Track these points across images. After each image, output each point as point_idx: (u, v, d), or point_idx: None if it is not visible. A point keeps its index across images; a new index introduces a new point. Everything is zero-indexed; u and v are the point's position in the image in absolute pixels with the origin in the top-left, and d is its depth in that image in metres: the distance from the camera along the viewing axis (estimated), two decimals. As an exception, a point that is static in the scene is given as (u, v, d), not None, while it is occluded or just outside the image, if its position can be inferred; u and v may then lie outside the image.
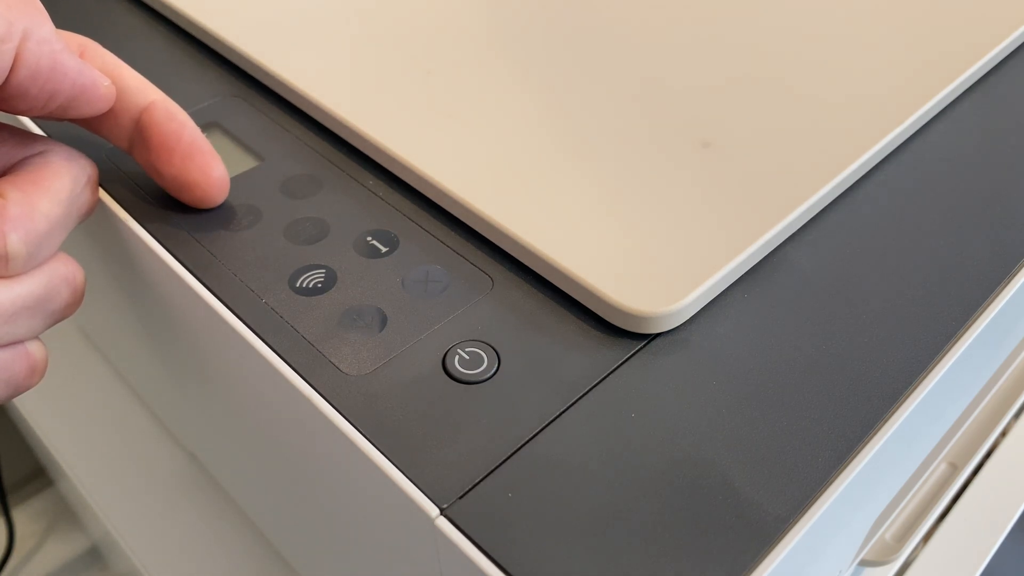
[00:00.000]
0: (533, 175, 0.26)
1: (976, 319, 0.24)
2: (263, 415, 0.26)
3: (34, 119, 0.30)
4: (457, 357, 0.22)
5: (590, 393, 0.21)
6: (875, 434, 0.21)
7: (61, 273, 0.23)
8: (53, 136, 0.29)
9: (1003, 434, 0.39)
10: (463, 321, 0.23)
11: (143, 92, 0.26)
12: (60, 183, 0.23)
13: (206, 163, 0.26)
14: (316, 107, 0.29)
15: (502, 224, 0.25)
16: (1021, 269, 0.25)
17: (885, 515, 0.30)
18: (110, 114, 0.25)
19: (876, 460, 0.21)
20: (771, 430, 0.21)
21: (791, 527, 0.19)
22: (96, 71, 0.24)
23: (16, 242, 0.21)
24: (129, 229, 0.26)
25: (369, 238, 0.26)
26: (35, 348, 0.24)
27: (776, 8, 0.34)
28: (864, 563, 0.32)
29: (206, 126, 0.30)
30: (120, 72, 0.25)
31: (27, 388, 0.24)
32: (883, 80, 0.30)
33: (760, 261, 0.25)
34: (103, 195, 0.27)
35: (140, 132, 0.26)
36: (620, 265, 0.23)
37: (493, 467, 0.20)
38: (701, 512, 0.19)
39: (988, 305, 0.24)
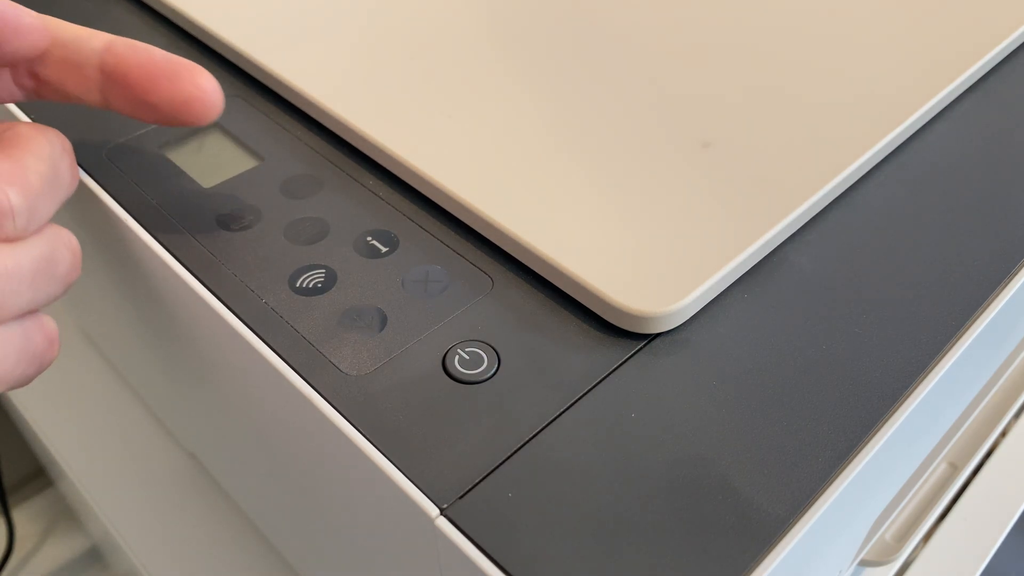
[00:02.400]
0: (533, 175, 0.26)
1: (976, 319, 0.24)
2: (263, 415, 0.26)
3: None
4: (457, 357, 0.22)
5: (590, 393, 0.21)
6: (875, 434, 0.21)
7: (60, 237, 0.23)
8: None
9: (1003, 434, 0.39)
10: (463, 321, 0.23)
11: (95, 36, 0.25)
12: (38, 143, 0.23)
13: (193, 76, 0.25)
14: (316, 107, 0.29)
15: (502, 224, 0.25)
16: (1021, 269, 0.25)
17: (885, 515, 0.30)
18: (74, 68, 0.25)
19: (876, 460, 0.21)
20: (771, 430, 0.21)
21: (791, 527, 0.19)
22: (14, 4, 0.24)
23: (16, 196, 0.21)
24: (129, 229, 0.26)
25: (369, 238, 0.26)
26: (47, 319, 0.24)
27: (776, 9, 0.34)
28: (864, 563, 0.32)
29: (206, 126, 0.30)
30: (63, 25, 0.25)
31: (48, 363, 0.24)
32: (883, 80, 0.30)
33: (760, 261, 0.25)
34: (102, 195, 0.27)
35: (111, 74, 0.25)
36: (620, 265, 0.23)
37: (493, 467, 0.20)
38: (701, 512, 0.19)
39: (988, 305, 0.24)
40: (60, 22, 0.25)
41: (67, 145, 0.25)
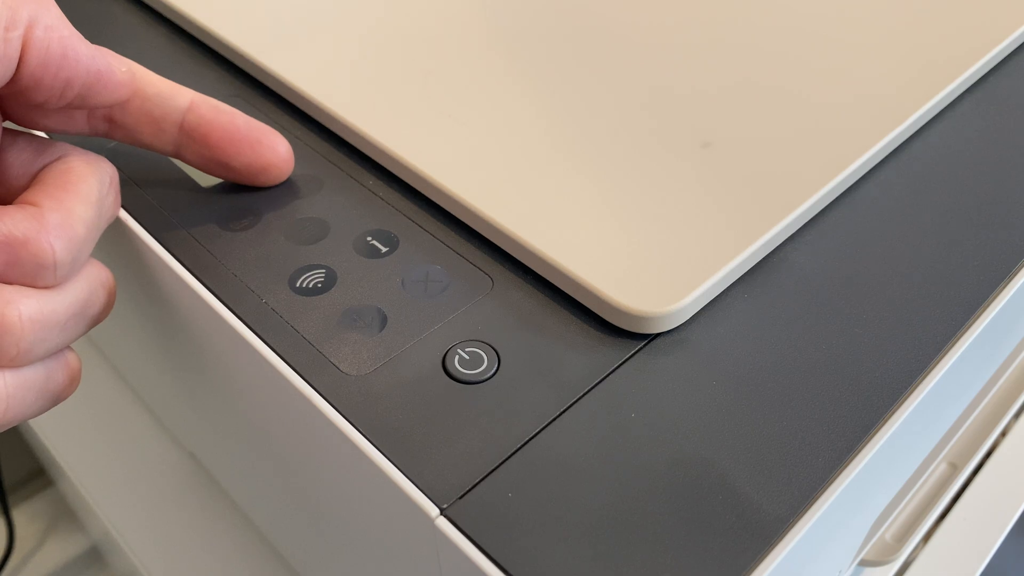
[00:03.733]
0: (533, 175, 0.26)
1: (976, 319, 0.24)
2: (263, 415, 0.26)
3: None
4: (457, 357, 0.22)
5: (590, 393, 0.21)
6: (875, 434, 0.21)
7: (98, 277, 0.23)
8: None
9: (1003, 434, 0.39)
10: (463, 321, 0.23)
11: (180, 94, 0.25)
12: (87, 186, 0.23)
13: (272, 142, 0.26)
14: (316, 107, 0.29)
15: (502, 224, 0.25)
16: (1021, 269, 0.25)
17: (885, 515, 0.30)
18: (152, 121, 0.25)
19: (876, 460, 0.21)
20: (771, 430, 0.21)
21: (791, 527, 0.19)
22: (112, 55, 0.23)
23: (62, 250, 0.21)
24: (129, 229, 0.26)
25: (369, 238, 0.26)
26: (72, 357, 0.24)
27: (776, 9, 0.34)
28: (864, 563, 0.32)
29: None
30: (150, 78, 0.25)
31: (65, 397, 0.24)
32: (883, 80, 0.30)
33: (760, 261, 0.25)
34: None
35: (192, 133, 0.25)
36: (620, 265, 0.23)
37: (493, 467, 0.20)
38: (701, 512, 0.19)
39: (988, 305, 0.24)
40: (148, 74, 0.25)
41: (115, 177, 0.25)
